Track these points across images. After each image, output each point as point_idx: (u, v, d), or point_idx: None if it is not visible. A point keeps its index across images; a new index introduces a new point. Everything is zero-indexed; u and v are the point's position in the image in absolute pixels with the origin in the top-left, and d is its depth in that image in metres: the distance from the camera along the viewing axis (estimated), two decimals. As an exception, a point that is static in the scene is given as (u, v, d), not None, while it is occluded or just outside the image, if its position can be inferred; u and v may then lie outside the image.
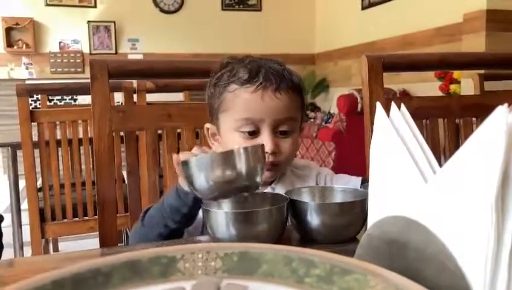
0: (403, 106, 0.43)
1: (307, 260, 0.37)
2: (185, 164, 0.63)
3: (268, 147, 0.77)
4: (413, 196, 0.38)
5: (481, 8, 3.24)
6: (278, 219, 0.62)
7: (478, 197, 0.31)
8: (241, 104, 0.78)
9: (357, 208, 0.63)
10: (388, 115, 0.43)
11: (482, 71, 2.10)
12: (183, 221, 0.73)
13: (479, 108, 1.10)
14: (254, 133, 0.79)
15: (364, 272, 0.33)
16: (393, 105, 0.44)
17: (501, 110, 0.29)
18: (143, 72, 1.06)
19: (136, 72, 1.06)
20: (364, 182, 0.84)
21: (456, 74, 3.53)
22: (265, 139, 0.78)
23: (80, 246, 2.50)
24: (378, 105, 0.44)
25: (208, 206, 0.64)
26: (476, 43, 3.31)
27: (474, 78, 2.13)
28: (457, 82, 3.58)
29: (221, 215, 0.62)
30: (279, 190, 0.82)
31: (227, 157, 0.61)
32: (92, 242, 2.17)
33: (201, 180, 0.62)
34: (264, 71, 0.79)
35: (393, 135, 0.41)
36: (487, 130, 0.30)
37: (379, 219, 0.42)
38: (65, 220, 1.88)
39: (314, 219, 0.62)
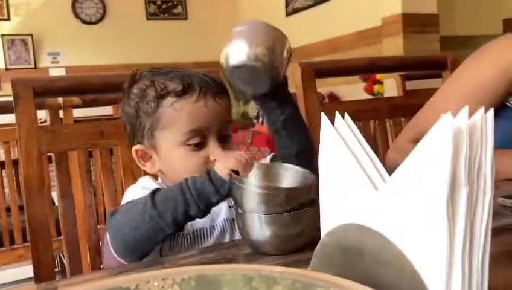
0: (346, 115, 0.44)
1: (267, 277, 0.36)
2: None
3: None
4: (365, 204, 0.39)
5: (397, 12, 3.44)
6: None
7: (429, 203, 0.32)
8: (186, 116, 0.75)
9: (308, 216, 0.63)
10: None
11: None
12: (206, 211, 0.68)
13: (405, 108, 1.16)
14: (201, 145, 0.77)
15: (327, 285, 0.33)
16: (338, 114, 0.44)
17: (446, 117, 0.30)
18: (71, 89, 1.01)
19: (64, 90, 1.00)
20: (274, 157, 0.85)
21: (379, 75, 3.71)
22: (213, 147, 0.77)
23: (10, 277, 2.32)
24: (323, 115, 0.45)
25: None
26: (394, 45, 3.50)
27: (397, 78, 2.25)
28: (380, 83, 3.77)
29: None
30: None
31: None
32: (22, 271, 2.03)
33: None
34: (196, 79, 0.77)
35: (340, 144, 0.42)
36: (434, 138, 0.31)
37: (332, 227, 0.43)
38: (-10, 250, 1.75)
39: (264, 231, 0.62)
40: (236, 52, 0.71)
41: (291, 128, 0.80)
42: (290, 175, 0.71)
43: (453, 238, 0.31)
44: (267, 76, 0.72)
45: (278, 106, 0.79)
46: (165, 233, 0.68)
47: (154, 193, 0.69)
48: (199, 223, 0.77)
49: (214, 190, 0.66)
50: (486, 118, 0.31)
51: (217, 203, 0.69)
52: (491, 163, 0.31)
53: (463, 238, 0.31)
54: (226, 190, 0.66)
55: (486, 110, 0.32)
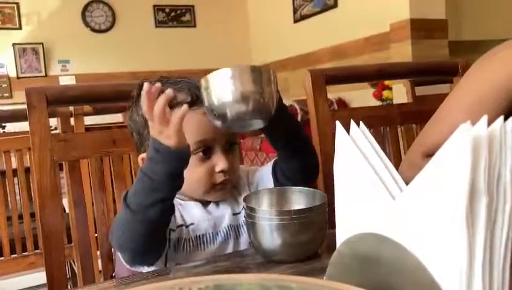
0: (362, 123, 0.44)
1: (285, 287, 0.36)
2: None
3: (223, 166, 0.77)
4: (382, 213, 0.38)
5: (405, 17, 3.43)
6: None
7: (448, 212, 0.31)
8: (194, 128, 0.76)
9: (317, 222, 0.63)
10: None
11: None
12: (179, 183, 0.68)
13: (417, 114, 1.16)
14: (208, 154, 0.79)
15: (345, 295, 0.33)
16: (353, 123, 0.44)
17: (465, 127, 0.30)
18: (83, 97, 1.02)
19: (76, 99, 1.01)
20: (276, 164, 0.85)
21: (387, 81, 3.69)
22: (219, 158, 0.78)
23: (20, 284, 2.33)
24: (338, 124, 0.45)
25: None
26: (402, 51, 3.49)
27: (406, 84, 2.24)
28: (389, 88, 3.76)
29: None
30: (223, 203, 0.83)
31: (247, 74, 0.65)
32: (33, 278, 2.03)
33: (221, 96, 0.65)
34: None
35: (356, 153, 0.42)
36: (452, 147, 0.31)
37: (348, 236, 0.43)
38: (1, 258, 1.76)
39: (275, 239, 0.62)
40: (224, 103, 0.67)
41: (294, 147, 0.81)
42: (300, 196, 0.72)
43: (473, 248, 0.31)
44: (260, 115, 0.70)
45: (280, 135, 0.79)
46: (158, 223, 0.68)
47: (125, 197, 0.69)
48: (201, 229, 0.79)
49: (173, 164, 0.66)
50: (505, 127, 0.31)
51: (172, 169, 0.67)
52: (510, 172, 0.31)
53: (483, 248, 0.31)
54: (185, 154, 0.67)
55: (504, 117, 0.32)
